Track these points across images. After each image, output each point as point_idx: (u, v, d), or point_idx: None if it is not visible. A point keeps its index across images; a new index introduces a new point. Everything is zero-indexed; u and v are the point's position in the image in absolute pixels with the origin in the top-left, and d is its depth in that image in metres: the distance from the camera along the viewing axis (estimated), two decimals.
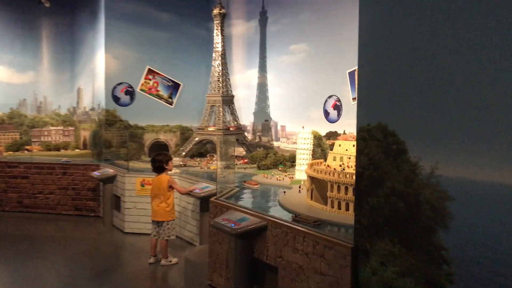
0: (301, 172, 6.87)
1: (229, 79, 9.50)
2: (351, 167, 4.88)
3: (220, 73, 9.42)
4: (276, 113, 9.57)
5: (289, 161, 8.20)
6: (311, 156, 6.76)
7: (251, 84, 9.45)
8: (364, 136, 3.14)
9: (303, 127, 7.26)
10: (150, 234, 6.26)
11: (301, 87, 8.39)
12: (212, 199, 5.48)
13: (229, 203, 5.14)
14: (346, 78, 7.47)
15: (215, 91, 9.34)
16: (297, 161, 7.07)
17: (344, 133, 7.57)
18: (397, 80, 2.88)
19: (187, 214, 7.39)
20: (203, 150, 10.09)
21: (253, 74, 9.34)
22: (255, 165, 8.24)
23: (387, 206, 2.93)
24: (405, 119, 2.82)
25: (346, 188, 4.69)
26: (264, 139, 9.65)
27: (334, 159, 5.63)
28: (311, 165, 5.62)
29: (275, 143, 9.14)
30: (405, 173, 2.79)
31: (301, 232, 3.86)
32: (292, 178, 7.14)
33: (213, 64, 9.37)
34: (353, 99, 6.88)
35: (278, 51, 8.86)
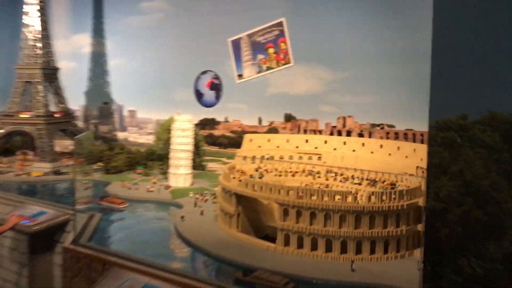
0: (178, 178, 6.71)
1: (50, 44, 8.61)
2: (281, 171, 5.02)
3: (39, 35, 8.38)
4: (121, 94, 9.18)
5: (149, 159, 7.92)
6: (192, 155, 6.63)
7: (80, 54, 8.75)
8: (449, 138, 2.40)
9: (178, 113, 7.00)
10: None
11: (159, 59, 8.10)
12: (68, 245, 4.68)
13: (106, 254, 4.35)
14: (228, 49, 7.44)
15: (29, 61, 8.30)
16: (172, 162, 6.85)
17: (227, 121, 7.56)
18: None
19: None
20: (9, 146, 8.89)
21: (83, 40, 8.64)
22: (96, 165, 7.82)
23: None
24: None
25: (313, 214, 4.96)
26: (104, 128, 9.12)
27: (245, 159, 5.85)
28: (227, 174, 5.63)
29: (121, 134, 8.86)
30: None
31: None
32: (170, 187, 6.82)
33: (26, 22, 8.24)
34: (239, 75, 6.80)
35: (124, 9, 8.39)
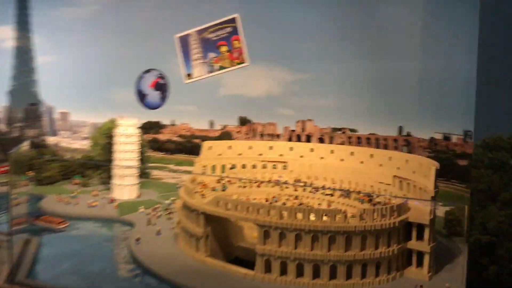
0: (123, 189, 5.25)
1: None
2: (246, 182, 3.56)
3: None
4: (51, 94, 7.17)
5: (87, 167, 6.43)
6: (138, 163, 5.27)
7: (1, 49, 6.96)
8: (499, 159, 1.83)
9: (121, 116, 5.71)
10: None
11: (95, 56, 6.22)
12: (2, 284, 2.17)
13: None
14: (175, 46, 4.03)
15: None
16: (115, 171, 5.35)
17: (173, 124, 6.08)
18: None
19: None
20: None
21: (4, 33, 6.81)
22: (25, 175, 5.96)
23: None
24: None
25: (298, 236, 3.39)
26: (31, 132, 7.30)
27: (204, 169, 4.21)
28: (191, 190, 3.96)
29: (51, 139, 7.16)
30: None
31: None
32: (114, 200, 5.49)
33: None
34: (188, 75, 4.23)
35: (52, 0, 6.82)
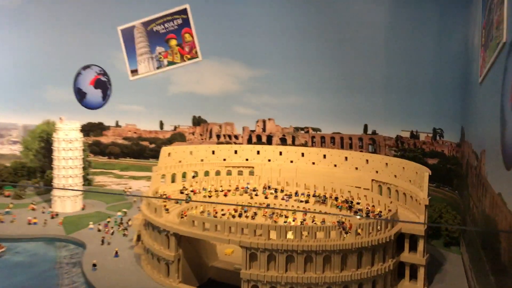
0: (65, 201, 1.93)
1: None
2: (211, 190, 5.00)
3: None
4: None
5: (19, 175, 2.84)
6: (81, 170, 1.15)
7: None
8: None
9: (61, 118, 2.53)
10: None
11: (25, 50, 3.60)
12: None
13: None
14: (119, 39, 6.51)
15: None
16: (56, 182, 2.01)
17: (118, 125, 8.48)
18: None
19: None
20: None
21: None
22: None
23: None
24: None
25: (289, 258, 5.96)
26: None
27: (163, 178, 2.58)
28: (159, 207, 5.94)
29: None
30: None
31: None
32: (57, 214, 2.05)
33: None
34: (133, 71, 7.00)
35: None
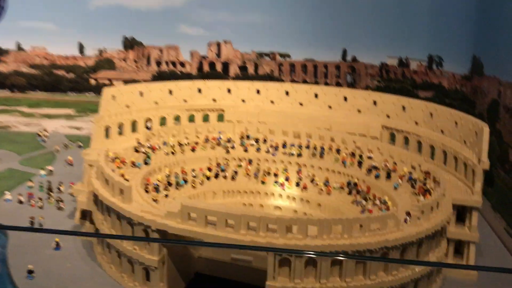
0: None
1: None
2: (173, 145, 6.90)
3: None
4: None
5: None
6: None
7: None
8: None
9: None
10: None
11: None
12: None
13: None
14: None
15: None
16: None
17: (21, 49, 12.69)
18: None
19: None
20: None
21: None
22: None
23: None
24: None
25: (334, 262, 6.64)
26: None
27: (107, 130, 4.55)
28: (128, 189, 7.45)
29: None
30: None
31: None
32: None
33: None
34: None
35: None
